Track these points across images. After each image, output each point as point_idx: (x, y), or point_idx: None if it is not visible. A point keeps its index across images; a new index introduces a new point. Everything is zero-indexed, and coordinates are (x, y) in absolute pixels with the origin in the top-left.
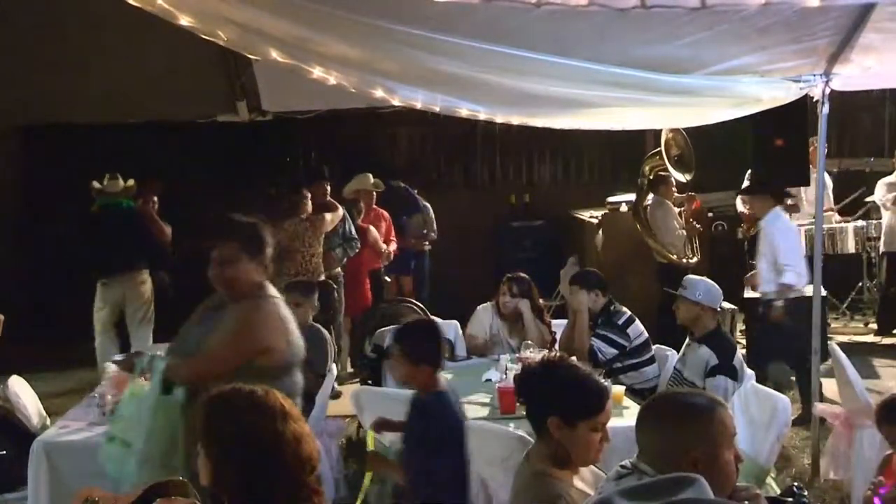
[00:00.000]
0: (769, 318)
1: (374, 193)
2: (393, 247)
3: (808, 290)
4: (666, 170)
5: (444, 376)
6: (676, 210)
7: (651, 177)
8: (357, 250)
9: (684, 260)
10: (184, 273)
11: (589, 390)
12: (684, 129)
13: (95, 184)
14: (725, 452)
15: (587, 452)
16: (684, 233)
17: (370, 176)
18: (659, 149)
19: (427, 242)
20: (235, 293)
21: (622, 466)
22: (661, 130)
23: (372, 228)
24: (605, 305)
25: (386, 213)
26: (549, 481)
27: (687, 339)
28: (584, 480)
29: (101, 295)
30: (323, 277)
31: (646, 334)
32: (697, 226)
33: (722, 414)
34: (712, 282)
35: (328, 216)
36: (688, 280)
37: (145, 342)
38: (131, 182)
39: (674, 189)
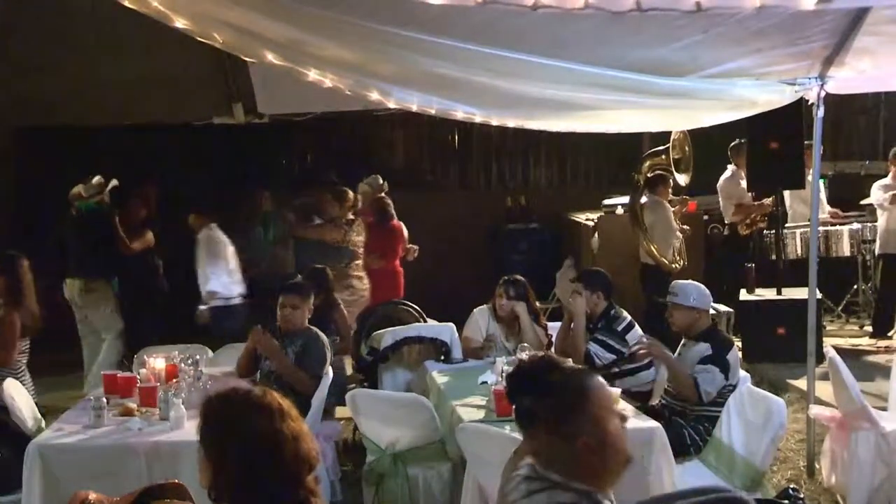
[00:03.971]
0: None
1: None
2: None
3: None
4: (666, 169)
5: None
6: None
7: (649, 174)
8: None
9: (675, 265)
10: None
11: None
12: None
13: (80, 188)
14: (611, 424)
15: None
16: (680, 239)
17: (379, 178)
18: (663, 147)
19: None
20: None
21: (526, 478)
22: (659, 132)
23: (403, 226)
24: (606, 309)
25: None
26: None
27: (683, 339)
28: None
29: (66, 297)
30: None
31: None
32: (687, 231)
33: (595, 387)
34: (699, 284)
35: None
36: (676, 286)
37: (112, 347)
38: (100, 179)
39: (670, 190)
